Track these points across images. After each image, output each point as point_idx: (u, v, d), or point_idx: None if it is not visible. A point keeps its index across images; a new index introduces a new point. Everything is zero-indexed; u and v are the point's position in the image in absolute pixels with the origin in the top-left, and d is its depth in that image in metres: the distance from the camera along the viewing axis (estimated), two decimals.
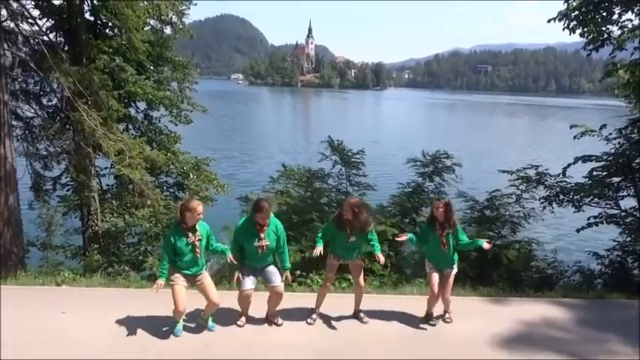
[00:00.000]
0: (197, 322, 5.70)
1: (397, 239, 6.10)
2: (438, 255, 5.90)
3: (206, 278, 5.56)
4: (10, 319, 5.68)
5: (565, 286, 8.50)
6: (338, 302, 6.36)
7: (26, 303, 6.30)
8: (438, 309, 6.13)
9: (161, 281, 5.24)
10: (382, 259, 5.78)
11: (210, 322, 5.69)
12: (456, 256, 5.98)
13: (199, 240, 5.37)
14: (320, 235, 5.79)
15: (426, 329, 5.84)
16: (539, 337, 5.78)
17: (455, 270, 6.00)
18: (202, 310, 5.68)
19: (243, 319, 5.80)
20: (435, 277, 5.88)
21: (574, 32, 10.52)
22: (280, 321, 5.83)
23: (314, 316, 5.95)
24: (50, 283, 7.27)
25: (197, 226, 5.38)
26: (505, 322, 6.08)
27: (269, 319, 5.86)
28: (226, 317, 5.80)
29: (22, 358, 4.88)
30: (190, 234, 5.33)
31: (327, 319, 5.97)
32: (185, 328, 5.57)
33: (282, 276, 5.68)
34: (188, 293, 5.48)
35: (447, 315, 6.12)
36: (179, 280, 5.36)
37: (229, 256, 5.52)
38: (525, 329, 5.96)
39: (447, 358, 5.23)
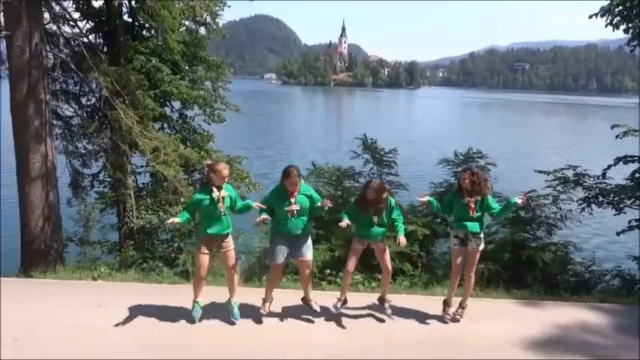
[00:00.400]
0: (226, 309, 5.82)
1: (418, 199, 6.00)
2: (466, 219, 5.82)
3: (230, 247, 5.67)
4: (49, 312, 5.89)
5: (603, 291, 8.21)
6: (365, 300, 6.34)
7: (64, 296, 6.52)
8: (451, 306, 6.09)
9: (176, 219, 5.47)
10: (403, 241, 5.72)
11: (235, 311, 5.77)
12: (484, 225, 5.89)
13: (224, 197, 5.49)
14: (344, 212, 5.83)
15: (450, 329, 5.75)
16: (574, 341, 5.60)
17: (481, 245, 5.89)
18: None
19: (267, 305, 5.83)
20: (456, 254, 5.92)
21: (617, 28, 10.15)
22: (316, 306, 5.85)
23: (338, 304, 5.88)
24: (87, 277, 7.51)
25: (222, 187, 5.52)
26: (539, 325, 5.92)
27: (305, 301, 5.92)
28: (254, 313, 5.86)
29: (62, 349, 5.03)
30: (215, 190, 5.47)
31: (352, 317, 5.95)
32: (209, 319, 5.67)
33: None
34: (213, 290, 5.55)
35: (459, 310, 6.02)
36: (201, 246, 5.56)
37: (255, 204, 5.63)
38: (560, 333, 5.79)
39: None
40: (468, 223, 5.82)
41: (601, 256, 12.18)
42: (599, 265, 10.11)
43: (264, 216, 5.54)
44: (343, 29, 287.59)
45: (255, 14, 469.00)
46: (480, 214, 5.80)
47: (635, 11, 9.80)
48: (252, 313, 5.87)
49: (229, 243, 5.68)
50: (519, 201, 5.75)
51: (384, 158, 10.22)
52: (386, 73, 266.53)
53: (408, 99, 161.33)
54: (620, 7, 9.82)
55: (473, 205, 5.74)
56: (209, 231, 5.52)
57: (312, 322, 5.82)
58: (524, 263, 8.64)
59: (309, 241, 5.77)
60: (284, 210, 5.55)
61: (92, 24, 11.51)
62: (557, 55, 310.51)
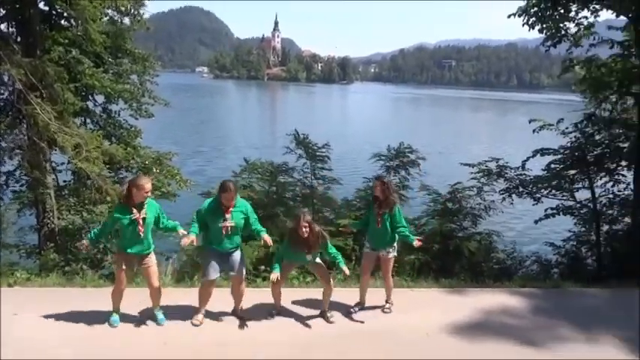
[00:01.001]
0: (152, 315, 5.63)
1: (341, 230, 6.18)
2: (373, 233, 6.04)
3: (152, 264, 5.48)
4: None
5: (523, 276, 8.76)
6: (299, 295, 6.36)
7: None
8: (380, 299, 6.25)
9: (85, 241, 5.46)
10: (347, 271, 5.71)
11: (160, 315, 5.58)
12: (395, 238, 5.99)
13: (143, 218, 5.27)
14: (275, 260, 5.74)
15: (363, 322, 5.88)
16: (495, 325, 5.95)
17: (392, 253, 6.04)
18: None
19: (200, 316, 5.62)
20: (366, 257, 6.13)
21: (533, 28, 10.78)
22: (246, 318, 5.74)
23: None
24: (2, 284, 6.96)
25: (144, 204, 5.30)
26: (465, 312, 6.22)
27: (237, 315, 5.79)
28: (187, 314, 5.70)
29: None
30: (135, 210, 5.24)
31: (285, 314, 5.95)
32: (140, 326, 5.47)
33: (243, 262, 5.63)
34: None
35: (386, 305, 6.20)
36: (122, 264, 5.34)
37: (180, 230, 5.48)
38: (483, 318, 6.13)
39: (409, 349, 5.28)
40: (374, 238, 6.05)
41: (521, 243, 12.97)
42: (520, 253, 10.76)
43: (192, 237, 5.31)
44: (276, 23, 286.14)
45: (184, 5, 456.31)
46: (387, 227, 5.92)
47: (548, 12, 10.44)
48: (183, 314, 5.71)
49: (151, 259, 5.47)
50: (415, 243, 5.93)
51: (317, 153, 10.29)
52: (319, 68, 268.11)
53: (342, 94, 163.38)
54: (536, 9, 10.43)
55: (379, 219, 5.92)
56: (128, 250, 5.32)
57: (248, 320, 5.73)
58: (452, 253, 9.04)
59: (242, 256, 5.65)
60: (218, 226, 5.39)
61: (3, 11, 10.65)
62: (481, 53, 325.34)
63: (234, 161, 13.69)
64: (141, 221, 5.25)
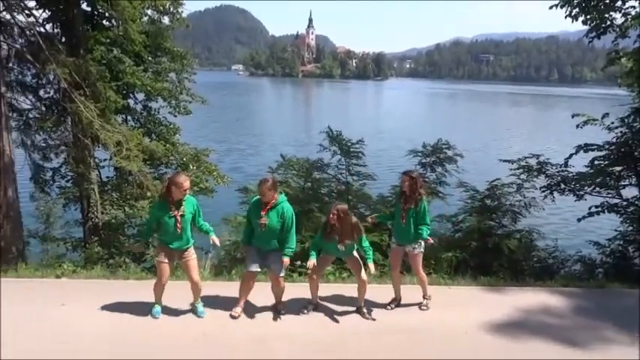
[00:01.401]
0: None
1: (367, 221, 6.07)
2: (398, 228, 6.01)
3: (192, 257, 5.61)
4: (9, 312, 5.66)
5: (566, 276, 8.48)
6: (336, 290, 6.35)
7: (26, 296, 6.28)
8: (417, 295, 6.18)
9: (137, 244, 5.42)
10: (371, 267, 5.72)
11: (199, 308, 5.73)
12: (421, 234, 5.88)
13: (182, 215, 5.40)
14: (312, 248, 5.81)
15: (419, 318, 5.81)
16: (535, 324, 5.79)
17: (418, 249, 5.94)
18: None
19: (239, 309, 5.72)
20: (393, 252, 6.11)
21: (576, 20, 10.38)
22: (284, 312, 5.81)
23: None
24: (50, 275, 7.25)
25: (183, 202, 5.42)
26: (504, 310, 6.08)
27: (275, 309, 5.87)
28: (225, 306, 5.80)
29: (22, 350, 4.85)
30: (174, 207, 5.37)
31: (323, 309, 5.96)
32: (180, 317, 5.60)
33: (281, 262, 5.61)
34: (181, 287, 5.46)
35: (424, 301, 6.11)
36: (162, 257, 5.50)
37: (212, 237, 5.60)
38: (523, 317, 5.98)
39: (447, 347, 5.21)
40: (399, 233, 6.01)
41: (563, 242, 12.57)
42: (562, 251, 10.42)
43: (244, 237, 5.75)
44: (310, 20, 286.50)
45: (221, 4, 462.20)
46: (410, 223, 5.85)
47: (592, 3, 10.04)
48: (221, 307, 5.82)
49: (190, 254, 5.60)
50: (429, 241, 6.00)
51: (352, 149, 10.26)
52: (354, 64, 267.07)
53: (376, 90, 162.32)
54: None
55: (404, 214, 5.86)
56: (169, 246, 5.48)
57: (285, 314, 5.79)
58: (491, 251, 8.84)
59: (278, 255, 5.62)
60: (256, 222, 5.53)
61: (49, 13, 11.06)
62: (520, 46, 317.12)
63: (271, 158, 13.74)
64: (179, 218, 5.38)
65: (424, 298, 6.16)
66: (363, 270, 5.87)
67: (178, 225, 5.39)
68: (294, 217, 5.58)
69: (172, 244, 5.45)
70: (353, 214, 5.81)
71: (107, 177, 12.46)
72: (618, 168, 10.20)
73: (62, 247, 11.47)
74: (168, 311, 5.69)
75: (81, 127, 9.88)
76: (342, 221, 5.53)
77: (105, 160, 11.98)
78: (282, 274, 5.66)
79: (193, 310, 5.75)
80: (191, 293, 5.75)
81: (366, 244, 5.78)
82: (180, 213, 5.39)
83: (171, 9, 12.25)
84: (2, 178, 8.40)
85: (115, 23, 11.66)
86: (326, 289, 6.37)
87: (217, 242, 5.64)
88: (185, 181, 5.39)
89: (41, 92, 11.22)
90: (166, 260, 5.50)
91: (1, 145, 8.30)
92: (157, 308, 5.64)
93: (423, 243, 5.97)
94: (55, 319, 5.50)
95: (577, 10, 10.19)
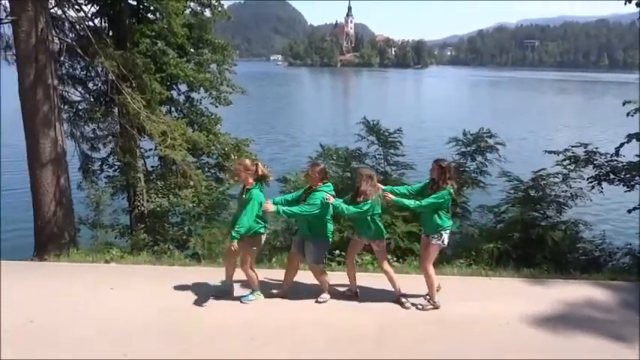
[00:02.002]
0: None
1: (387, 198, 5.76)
2: (421, 217, 5.97)
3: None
4: (63, 294, 5.99)
5: (613, 269, 8.18)
6: (374, 281, 6.38)
7: (78, 279, 6.61)
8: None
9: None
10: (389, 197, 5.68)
11: (249, 296, 5.91)
12: (440, 225, 5.66)
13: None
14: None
15: (438, 307, 5.80)
16: (579, 317, 5.65)
17: (435, 240, 5.71)
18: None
19: (282, 291, 6.02)
20: (422, 242, 6.01)
21: (630, 2, 9.89)
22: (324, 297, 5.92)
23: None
24: (99, 260, 7.61)
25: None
26: (547, 303, 5.95)
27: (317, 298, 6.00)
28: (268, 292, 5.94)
29: (76, 331, 5.13)
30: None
31: (363, 298, 6.00)
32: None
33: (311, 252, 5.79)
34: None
35: (423, 302, 5.87)
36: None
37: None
38: (567, 310, 5.83)
39: (488, 337, 5.16)
40: (422, 220, 5.96)
41: (612, 234, 12.11)
42: (610, 243, 10.04)
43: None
44: (349, 9, 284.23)
45: None
46: (431, 212, 5.67)
47: None
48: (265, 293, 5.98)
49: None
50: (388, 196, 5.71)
51: (390, 139, 10.20)
52: (393, 52, 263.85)
53: (417, 78, 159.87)
54: None
55: None
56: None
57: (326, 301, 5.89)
58: (534, 242, 8.62)
59: (314, 246, 5.74)
60: None
61: (97, 7, 11.44)
62: (567, 31, 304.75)
63: (310, 147, 13.80)
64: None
65: (425, 298, 5.91)
66: (385, 261, 5.93)
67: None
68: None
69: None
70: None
71: (152, 166, 12.84)
72: None
73: (110, 233, 11.93)
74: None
75: (128, 117, 10.22)
76: (362, 180, 5.68)
77: (150, 149, 12.36)
78: (312, 263, 5.78)
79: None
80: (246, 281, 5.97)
81: (361, 206, 5.61)
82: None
83: (213, 1, 12.44)
84: (55, 168, 8.80)
85: (159, 16, 11.94)
86: (366, 279, 6.40)
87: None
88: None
89: (90, 84, 11.68)
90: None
91: (54, 135, 8.67)
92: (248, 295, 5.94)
93: (443, 235, 5.70)
94: (104, 303, 5.78)
95: None
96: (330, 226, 5.80)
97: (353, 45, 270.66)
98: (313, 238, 5.74)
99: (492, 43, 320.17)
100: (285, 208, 5.61)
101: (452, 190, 5.72)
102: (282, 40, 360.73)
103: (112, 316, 5.43)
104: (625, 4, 9.87)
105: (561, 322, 5.52)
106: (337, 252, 7.70)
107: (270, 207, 5.53)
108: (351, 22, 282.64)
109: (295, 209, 5.59)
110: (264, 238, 5.85)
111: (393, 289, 5.97)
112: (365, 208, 5.59)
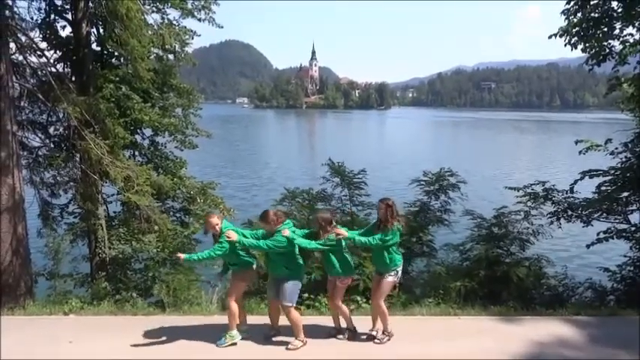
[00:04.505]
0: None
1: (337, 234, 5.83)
2: (373, 255, 6.10)
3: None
4: (18, 350, 5.66)
5: (577, 304, 8.36)
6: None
7: (34, 334, 6.28)
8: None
9: None
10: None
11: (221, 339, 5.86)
12: (394, 263, 5.81)
13: None
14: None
15: (429, 350, 5.73)
16: (551, 356, 5.68)
17: (390, 277, 5.83)
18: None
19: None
20: (373, 280, 6.12)
21: (576, 48, 10.52)
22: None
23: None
24: (58, 312, 7.27)
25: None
26: (517, 341, 5.99)
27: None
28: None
29: None
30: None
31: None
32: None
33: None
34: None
35: (379, 335, 5.95)
36: None
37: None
38: (538, 349, 5.86)
39: None
40: (374, 258, 6.11)
41: (573, 269, 12.42)
42: (572, 278, 10.30)
43: None
44: (313, 52, 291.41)
45: (225, 39, 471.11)
46: (383, 250, 5.81)
47: (590, 31, 10.21)
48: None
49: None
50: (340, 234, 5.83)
51: (354, 180, 10.34)
52: (357, 94, 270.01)
53: (380, 119, 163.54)
54: (577, 28, 10.22)
55: None
56: None
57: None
58: (500, 279, 8.75)
59: (292, 285, 5.72)
60: None
61: (59, 53, 11.38)
62: (520, 74, 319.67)
63: (276, 190, 13.82)
64: None
65: (379, 330, 5.99)
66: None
67: None
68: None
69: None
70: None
71: (114, 212, 12.53)
72: (625, 193, 10.18)
73: (70, 282, 11.43)
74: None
75: (90, 163, 10.01)
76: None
77: (112, 195, 12.08)
78: (284, 302, 5.71)
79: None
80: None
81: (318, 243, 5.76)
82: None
83: (177, 48, 12.56)
84: (12, 216, 8.49)
85: (123, 61, 11.93)
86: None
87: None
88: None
89: (51, 130, 11.43)
90: None
91: (11, 182, 8.41)
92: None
93: (398, 272, 5.87)
94: (63, 357, 5.48)
95: (576, 38, 10.34)
96: (303, 264, 5.85)
97: (318, 87, 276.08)
98: (289, 277, 5.70)
99: (451, 85, 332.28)
100: (249, 240, 5.66)
101: (400, 227, 5.86)
102: (248, 82, 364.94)
103: None
104: (572, 50, 10.52)
105: None
106: (306, 295, 7.62)
107: (234, 236, 5.53)
108: (316, 65, 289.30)
109: (260, 242, 5.61)
110: (253, 273, 6.01)
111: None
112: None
